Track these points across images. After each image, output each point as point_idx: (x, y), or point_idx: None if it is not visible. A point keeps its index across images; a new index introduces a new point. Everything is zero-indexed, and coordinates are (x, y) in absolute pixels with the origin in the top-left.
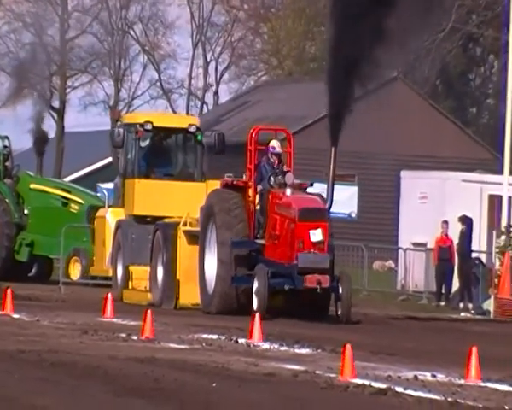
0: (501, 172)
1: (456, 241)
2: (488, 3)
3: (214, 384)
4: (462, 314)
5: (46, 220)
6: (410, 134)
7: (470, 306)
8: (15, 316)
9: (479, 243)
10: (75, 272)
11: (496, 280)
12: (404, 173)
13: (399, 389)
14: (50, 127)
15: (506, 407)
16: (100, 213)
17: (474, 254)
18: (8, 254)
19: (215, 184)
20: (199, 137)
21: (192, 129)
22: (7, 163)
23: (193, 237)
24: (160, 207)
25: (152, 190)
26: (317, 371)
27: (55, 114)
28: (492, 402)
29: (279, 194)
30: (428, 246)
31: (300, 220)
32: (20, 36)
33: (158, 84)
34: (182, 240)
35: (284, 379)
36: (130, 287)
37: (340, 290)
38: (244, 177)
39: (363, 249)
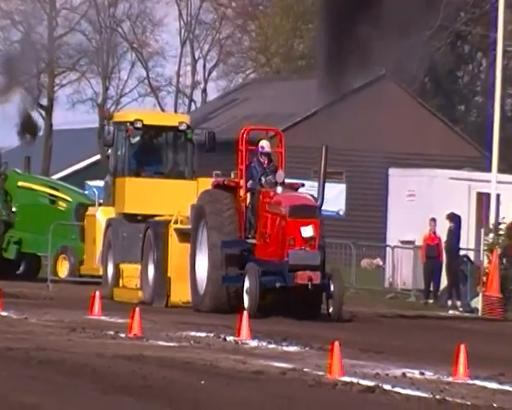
0: (489, 169)
1: (444, 239)
2: (476, 1)
3: (202, 382)
4: (451, 312)
5: (34, 218)
6: (398, 132)
7: (458, 303)
8: (3, 314)
9: (467, 240)
10: (63, 269)
11: (484, 278)
12: (392, 171)
13: (387, 387)
14: (38, 125)
15: (494, 405)
16: (90, 211)
17: (462, 252)
18: None
19: (206, 182)
20: (189, 136)
21: (182, 127)
22: None
23: (184, 235)
24: (150, 205)
25: (142, 189)
26: (305, 369)
27: (43, 112)
28: (481, 400)
29: (270, 192)
30: (416, 244)
31: (291, 217)
32: (8, 34)
33: (146, 81)
34: (173, 238)
35: (272, 377)
36: (120, 285)
37: (332, 288)
38: (232, 175)
39: (352, 247)
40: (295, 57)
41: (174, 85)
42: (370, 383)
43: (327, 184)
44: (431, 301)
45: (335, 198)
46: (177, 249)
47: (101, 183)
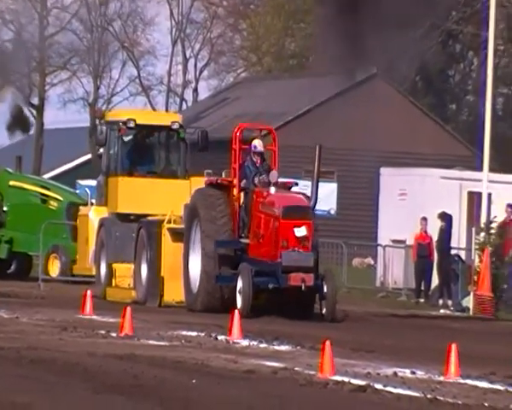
0: (480, 168)
1: (435, 238)
2: (467, 0)
3: (194, 381)
4: (442, 311)
5: (25, 217)
6: (389, 131)
7: (449, 303)
8: None
9: (458, 239)
10: (54, 268)
11: (475, 277)
12: (383, 170)
13: (379, 386)
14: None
15: (486, 404)
16: (83, 211)
17: (453, 251)
18: None
19: (199, 182)
20: (182, 135)
21: (175, 126)
22: None
23: (177, 235)
24: (143, 204)
25: (135, 188)
26: (296, 368)
27: (34, 111)
28: (472, 399)
29: (263, 192)
30: (408, 243)
31: (284, 218)
32: None
33: (137, 80)
34: (166, 237)
35: (263, 376)
36: (113, 285)
37: (325, 289)
38: (224, 174)
39: (343, 246)
40: (287, 56)
41: (165, 84)
42: (362, 383)
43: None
44: (422, 300)
45: (327, 197)
46: (170, 249)
47: (92, 182)
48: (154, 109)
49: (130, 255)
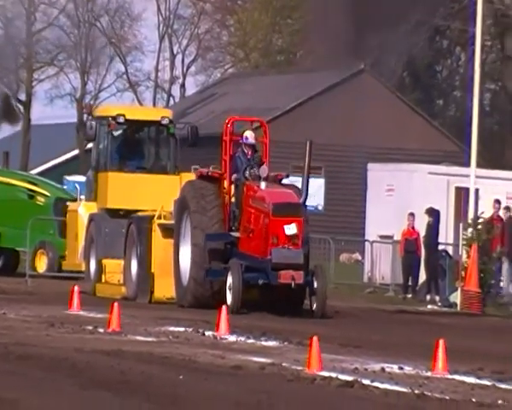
0: (468, 164)
1: (422, 233)
2: None
3: (181, 377)
4: (429, 307)
5: (12, 213)
6: (376, 126)
7: (437, 298)
8: None
9: (445, 235)
10: (41, 264)
11: (463, 272)
12: (370, 166)
13: (366, 382)
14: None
15: (473, 400)
16: (72, 206)
17: (440, 247)
18: None
19: (189, 177)
20: (171, 130)
21: (165, 121)
22: None
23: (167, 231)
24: (133, 200)
25: (125, 184)
26: (283, 364)
27: (21, 107)
28: (459, 395)
29: (254, 187)
30: (395, 238)
31: (274, 215)
32: None
33: (124, 76)
34: (156, 233)
35: (251, 372)
36: (103, 281)
37: (315, 285)
38: (211, 169)
39: (330, 242)
40: (274, 52)
41: (152, 80)
42: (349, 378)
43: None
44: (409, 295)
45: (314, 193)
46: (160, 245)
47: (79, 177)
48: (141, 105)
49: (120, 251)
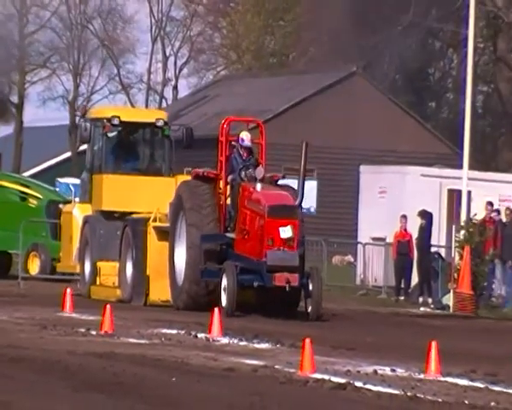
0: (460, 166)
1: (415, 235)
2: None
3: (173, 379)
4: (422, 309)
5: (5, 215)
6: (369, 129)
7: (430, 300)
8: None
9: (438, 237)
10: (34, 267)
11: (455, 275)
12: (363, 168)
13: (359, 384)
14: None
15: (466, 402)
16: (67, 208)
17: (433, 249)
18: None
19: (184, 179)
20: (166, 132)
21: (160, 123)
22: None
23: (163, 233)
24: (128, 202)
25: (120, 186)
26: (276, 366)
27: (13, 109)
28: (452, 397)
29: (249, 188)
30: (388, 241)
31: (270, 217)
32: None
33: (117, 78)
34: (152, 236)
35: (243, 374)
36: (97, 283)
37: (310, 287)
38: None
39: (323, 244)
40: (266, 54)
41: (145, 82)
42: (342, 380)
43: (297, 181)
44: (402, 297)
45: (306, 195)
46: (156, 248)
47: (71, 180)
48: (133, 107)
49: (115, 253)
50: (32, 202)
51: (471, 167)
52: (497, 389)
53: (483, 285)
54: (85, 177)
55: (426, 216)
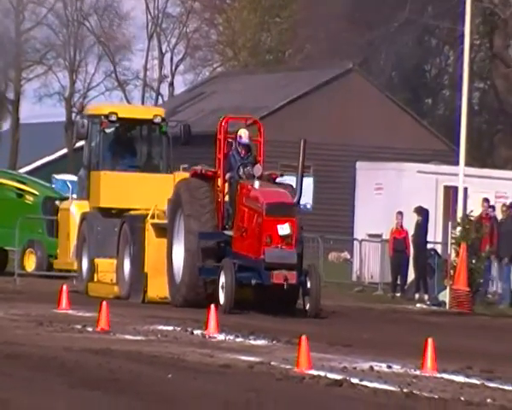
0: (456, 163)
1: (411, 232)
2: None
3: (169, 376)
4: (418, 305)
5: (1, 212)
6: (365, 125)
7: (426, 297)
8: None
9: (434, 234)
10: (30, 263)
11: (451, 271)
12: (359, 164)
13: (355, 381)
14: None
15: (462, 398)
16: (64, 205)
17: (429, 246)
18: None
19: (182, 176)
20: (164, 129)
21: (157, 120)
22: None
23: (161, 230)
24: (125, 199)
25: (118, 182)
26: (272, 363)
27: (9, 106)
28: (448, 393)
29: (247, 186)
30: (384, 237)
31: (268, 215)
32: None
33: (113, 75)
34: (150, 233)
35: (239, 371)
36: (95, 280)
37: (309, 285)
38: (200, 167)
39: (319, 241)
40: (263, 51)
41: (141, 79)
42: (338, 377)
43: (294, 178)
44: (398, 294)
45: (303, 192)
46: (153, 244)
47: (68, 176)
48: (129, 104)
49: (113, 250)
50: (29, 199)
51: (467, 164)
52: (493, 385)
53: (479, 282)
54: (83, 174)
55: (422, 213)
